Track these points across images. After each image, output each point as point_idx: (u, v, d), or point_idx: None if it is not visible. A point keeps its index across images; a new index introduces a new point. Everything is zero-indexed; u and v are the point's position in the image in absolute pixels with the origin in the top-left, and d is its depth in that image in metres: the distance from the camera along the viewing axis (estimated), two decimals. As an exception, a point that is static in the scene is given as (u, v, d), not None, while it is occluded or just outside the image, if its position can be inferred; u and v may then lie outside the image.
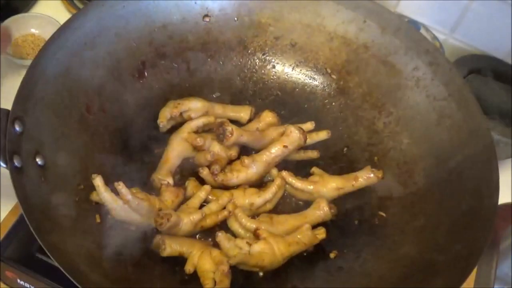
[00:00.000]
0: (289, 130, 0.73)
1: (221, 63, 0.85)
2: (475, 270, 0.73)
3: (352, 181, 0.73)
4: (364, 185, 0.73)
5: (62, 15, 0.97)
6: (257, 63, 0.87)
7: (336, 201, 0.74)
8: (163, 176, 0.71)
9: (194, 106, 0.76)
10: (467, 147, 0.71)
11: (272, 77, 0.87)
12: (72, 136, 0.68)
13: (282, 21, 0.85)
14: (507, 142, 0.83)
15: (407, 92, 0.79)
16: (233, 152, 0.74)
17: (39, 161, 0.62)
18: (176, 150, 0.73)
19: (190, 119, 0.76)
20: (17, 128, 0.59)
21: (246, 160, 0.72)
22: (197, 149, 0.74)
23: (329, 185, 0.73)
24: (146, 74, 0.79)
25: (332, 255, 0.70)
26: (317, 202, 0.72)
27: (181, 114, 0.76)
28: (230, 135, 0.70)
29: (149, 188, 0.71)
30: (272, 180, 0.74)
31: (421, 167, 0.75)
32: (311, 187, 0.73)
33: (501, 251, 0.77)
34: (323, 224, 0.71)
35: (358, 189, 0.74)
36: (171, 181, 0.71)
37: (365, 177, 0.73)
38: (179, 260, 0.65)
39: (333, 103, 0.85)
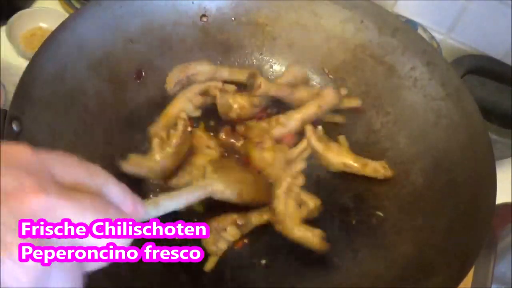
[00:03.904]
0: (326, 91, 0.78)
1: (218, 63, 0.84)
2: (472, 269, 0.73)
3: (361, 165, 0.75)
4: (369, 175, 0.75)
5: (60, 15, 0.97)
6: (254, 63, 0.87)
7: (335, 201, 0.74)
8: (159, 129, 0.73)
9: (201, 69, 0.79)
10: (465, 147, 0.71)
11: (269, 77, 0.87)
12: (70, 136, 0.68)
13: (279, 21, 0.85)
14: (504, 142, 0.84)
15: (404, 92, 0.80)
16: (257, 108, 0.77)
17: (36, 161, 0.61)
18: (177, 108, 0.75)
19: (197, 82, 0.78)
20: (15, 128, 0.59)
21: (282, 118, 0.75)
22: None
23: (339, 157, 0.75)
24: (143, 74, 0.79)
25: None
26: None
27: (188, 78, 0.78)
28: (258, 87, 0.74)
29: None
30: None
31: (418, 167, 0.75)
32: (321, 148, 0.75)
33: (498, 251, 0.78)
34: (321, 223, 0.72)
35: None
36: (164, 135, 0.71)
37: (374, 168, 0.75)
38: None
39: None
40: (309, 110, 0.76)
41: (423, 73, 0.78)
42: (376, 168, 0.75)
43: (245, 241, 0.70)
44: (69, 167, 0.36)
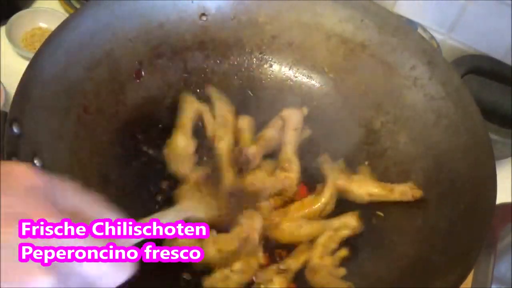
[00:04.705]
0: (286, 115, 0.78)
1: (218, 62, 0.84)
2: (472, 270, 0.73)
3: (387, 192, 0.73)
4: (398, 199, 0.73)
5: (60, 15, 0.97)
6: (254, 62, 0.87)
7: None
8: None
9: None
10: (465, 147, 0.71)
11: (269, 76, 0.87)
12: (70, 137, 0.68)
13: (279, 20, 0.85)
14: (505, 143, 0.84)
15: (404, 92, 0.79)
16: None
17: (37, 162, 0.61)
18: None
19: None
20: (15, 129, 0.59)
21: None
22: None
23: (363, 188, 0.73)
24: (143, 73, 0.79)
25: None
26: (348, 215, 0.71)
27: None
28: (253, 159, 0.72)
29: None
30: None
31: (418, 166, 0.75)
32: (343, 185, 0.73)
33: (498, 251, 0.77)
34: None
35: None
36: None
37: (402, 191, 0.73)
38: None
39: (330, 102, 0.85)
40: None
41: (423, 72, 0.78)
42: (403, 192, 0.73)
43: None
44: (70, 195, 0.38)
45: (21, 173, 0.35)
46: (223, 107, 0.78)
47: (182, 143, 0.74)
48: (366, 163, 0.79)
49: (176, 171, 0.72)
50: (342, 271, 0.68)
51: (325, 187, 0.72)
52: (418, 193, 0.72)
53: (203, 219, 0.65)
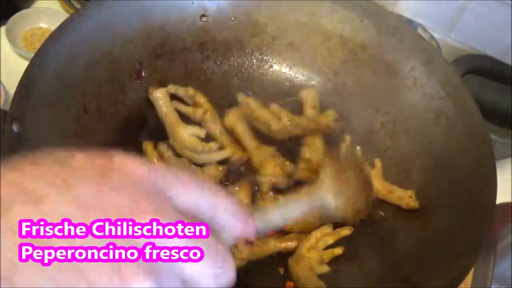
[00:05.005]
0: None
1: (218, 63, 0.84)
2: (472, 269, 0.73)
3: (387, 192, 0.74)
4: (393, 202, 0.74)
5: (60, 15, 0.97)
6: (254, 63, 0.87)
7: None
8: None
9: None
10: (465, 147, 0.72)
11: (269, 77, 0.87)
12: (70, 136, 0.68)
13: (279, 21, 0.85)
14: (504, 142, 0.84)
15: (404, 92, 0.80)
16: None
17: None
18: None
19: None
20: (15, 129, 0.59)
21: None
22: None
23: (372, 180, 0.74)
24: (143, 74, 0.79)
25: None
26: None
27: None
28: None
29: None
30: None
31: (418, 166, 0.75)
32: None
33: (498, 251, 0.77)
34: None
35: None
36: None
37: (400, 196, 0.73)
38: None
39: (330, 102, 0.85)
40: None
41: (422, 72, 0.78)
42: (401, 197, 0.73)
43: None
44: (186, 190, 0.34)
45: (132, 168, 0.32)
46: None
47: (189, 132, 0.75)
48: (368, 162, 0.79)
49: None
50: (325, 268, 0.67)
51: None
52: (414, 203, 0.72)
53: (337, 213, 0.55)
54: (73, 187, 0.30)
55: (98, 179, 0.31)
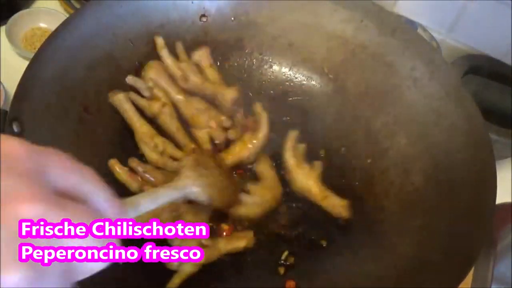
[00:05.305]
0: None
1: (218, 63, 0.84)
2: (472, 269, 0.73)
3: (321, 196, 0.73)
4: (325, 208, 0.73)
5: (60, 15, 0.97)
6: (254, 63, 0.87)
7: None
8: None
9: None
10: (465, 147, 0.71)
11: (269, 77, 0.87)
12: (70, 136, 0.68)
13: (279, 21, 0.85)
14: (505, 142, 0.84)
15: (404, 92, 0.79)
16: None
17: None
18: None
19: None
20: (15, 129, 0.59)
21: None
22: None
23: (306, 181, 0.74)
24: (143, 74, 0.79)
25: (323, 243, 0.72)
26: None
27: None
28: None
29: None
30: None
31: (418, 167, 0.75)
32: (292, 164, 0.75)
33: (498, 251, 0.77)
34: (320, 223, 0.72)
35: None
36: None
37: (333, 203, 0.73)
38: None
39: (330, 103, 0.85)
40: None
41: (423, 73, 0.78)
42: (334, 204, 0.73)
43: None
44: (64, 170, 0.35)
45: (11, 148, 0.32)
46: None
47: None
48: (369, 161, 0.79)
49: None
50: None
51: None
52: (345, 214, 0.72)
53: (203, 199, 0.61)
54: None
55: None
